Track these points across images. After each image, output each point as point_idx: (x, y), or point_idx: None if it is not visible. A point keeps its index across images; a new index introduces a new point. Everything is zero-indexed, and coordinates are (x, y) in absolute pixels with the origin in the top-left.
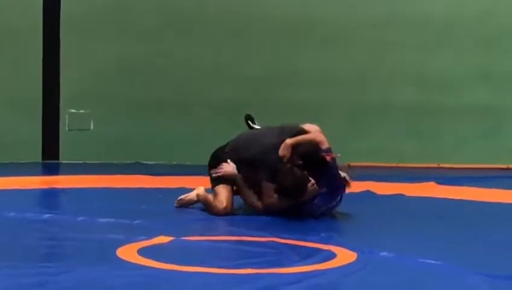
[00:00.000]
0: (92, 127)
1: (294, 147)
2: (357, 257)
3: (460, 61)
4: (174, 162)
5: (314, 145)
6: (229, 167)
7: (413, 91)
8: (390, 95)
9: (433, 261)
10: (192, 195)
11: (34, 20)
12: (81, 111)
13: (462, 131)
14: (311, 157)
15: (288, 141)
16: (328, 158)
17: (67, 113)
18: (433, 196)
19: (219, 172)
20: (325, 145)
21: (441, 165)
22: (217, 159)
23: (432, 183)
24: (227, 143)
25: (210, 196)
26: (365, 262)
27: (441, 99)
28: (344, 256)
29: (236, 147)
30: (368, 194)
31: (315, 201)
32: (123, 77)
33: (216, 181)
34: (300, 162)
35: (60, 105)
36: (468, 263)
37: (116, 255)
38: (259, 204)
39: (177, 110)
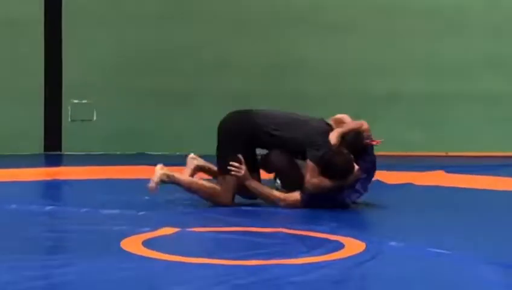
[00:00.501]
0: (94, 118)
1: (343, 135)
2: (366, 247)
3: (469, 49)
4: (177, 153)
5: (359, 133)
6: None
7: (421, 79)
8: (399, 84)
9: (443, 251)
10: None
11: (35, 10)
12: (84, 101)
13: (471, 119)
14: (356, 145)
15: (339, 129)
16: (374, 143)
17: (70, 103)
18: (442, 184)
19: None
20: (369, 132)
21: (450, 154)
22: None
23: (440, 172)
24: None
25: (207, 183)
26: (374, 252)
27: (450, 88)
28: (352, 246)
29: (280, 127)
30: (376, 183)
31: (356, 186)
32: (126, 67)
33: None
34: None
35: (62, 95)
36: (479, 252)
37: (121, 247)
38: (283, 196)
39: (181, 100)
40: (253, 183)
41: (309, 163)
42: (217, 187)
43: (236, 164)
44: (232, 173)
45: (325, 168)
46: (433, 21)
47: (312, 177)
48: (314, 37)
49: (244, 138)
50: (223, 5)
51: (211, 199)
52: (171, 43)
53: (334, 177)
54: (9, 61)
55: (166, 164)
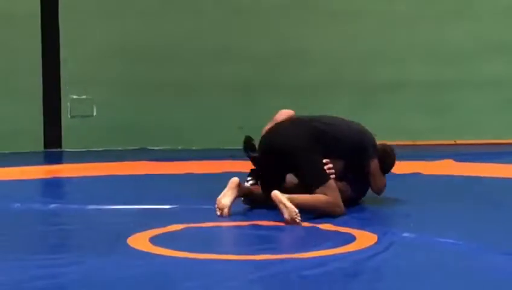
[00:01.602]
0: (95, 113)
1: None
2: (377, 239)
3: (475, 34)
4: (180, 147)
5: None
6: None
7: (427, 66)
8: (404, 70)
9: (455, 241)
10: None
11: (31, 4)
12: (83, 97)
13: (478, 106)
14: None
15: None
16: None
17: (69, 99)
18: (452, 173)
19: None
20: None
21: (458, 142)
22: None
23: (449, 161)
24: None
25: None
26: (386, 244)
27: (456, 74)
28: (364, 239)
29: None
30: None
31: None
32: (125, 60)
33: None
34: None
35: (61, 91)
36: (490, 242)
37: (127, 244)
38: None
39: (182, 93)
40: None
41: (375, 163)
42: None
43: (330, 165)
44: (331, 176)
45: (383, 168)
46: (437, 6)
47: (382, 178)
48: (317, 25)
49: (319, 147)
50: None
51: (328, 212)
52: (170, 35)
53: (388, 171)
54: (6, 57)
55: (167, 159)
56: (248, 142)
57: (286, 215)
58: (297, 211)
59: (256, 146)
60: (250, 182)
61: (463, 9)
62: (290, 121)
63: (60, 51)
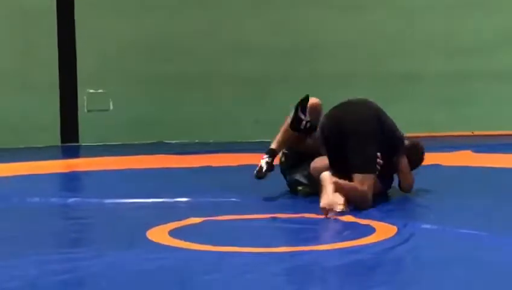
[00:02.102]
0: (111, 107)
1: None
2: (397, 230)
3: (494, 24)
4: (196, 140)
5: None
6: None
7: (444, 57)
8: (421, 62)
9: (476, 232)
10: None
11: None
12: (100, 91)
13: (495, 96)
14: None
15: None
16: None
17: (86, 93)
18: (471, 164)
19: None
20: None
21: (476, 133)
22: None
23: (468, 152)
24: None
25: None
26: (406, 236)
27: (472, 65)
28: (384, 230)
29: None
30: None
31: None
32: (142, 54)
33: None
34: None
35: (78, 86)
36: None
37: (147, 237)
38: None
39: (198, 87)
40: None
41: (405, 160)
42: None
43: (380, 161)
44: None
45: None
46: None
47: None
48: (332, 18)
49: (380, 136)
50: None
51: (358, 204)
52: (186, 28)
53: (415, 167)
54: (23, 52)
55: (184, 153)
56: (305, 101)
57: (322, 203)
58: (340, 201)
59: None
60: (266, 159)
61: (478, 1)
62: (359, 102)
63: (76, 45)
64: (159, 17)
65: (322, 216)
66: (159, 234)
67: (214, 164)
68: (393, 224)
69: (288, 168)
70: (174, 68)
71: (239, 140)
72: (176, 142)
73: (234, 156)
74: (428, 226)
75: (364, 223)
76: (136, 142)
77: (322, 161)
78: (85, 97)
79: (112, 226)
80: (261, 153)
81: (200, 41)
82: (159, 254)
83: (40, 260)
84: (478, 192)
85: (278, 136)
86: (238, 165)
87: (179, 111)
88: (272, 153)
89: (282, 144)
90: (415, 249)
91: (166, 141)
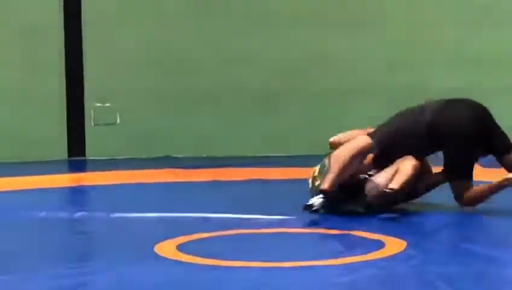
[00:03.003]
0: (118, 121)
1: None
2: (406, 245)
3: (498, 41)
4: (204, 155)
5: None
6: None
7: (450, 72)
8: (427, 77)
9: (488, 249)
10: None
11: (54, 15)
12: (107, 105)
13: (502, 113)
14: None
15: None
16: None
17: (93, 107)
18: (480, 179)
19: None
20: None
21: None
22: None
23: (476, 166)
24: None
25: None
26: (416, 251)
27: (480, 81)
28: (393, 245)
29: None
30: None
31: None
32: (149, 68)
33: None
34: None
35: (85, 99)
36: None
37: (155, 252)
38: None
39: (205, 101)
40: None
41: None
42: None
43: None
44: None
45: None
46: (461, 11)
47: None
48: (338, 31)
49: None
50: (245, 2)
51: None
52: (194, 42)
53: None
54: (30, 68)
55: (192, 167)
56: None
57: None
58: None
59: None
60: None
61: (486, 16)
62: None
63: (84, 59)
64: (167, 31)
65: (333, 231)
66: (167, 249)
67: (222, 178)
68: (402, 239)
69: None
70: (182, 82)
71: (246, 154)
72: (183, 157)
73: (242, 170)
74: (436, 241)
75: (373, 237)
76: (143, 157)
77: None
78: (92, 111)
79: (120, 240)
80: (268, 167)
81: (208, 55)
82: (167, 268)
83: (49, 274)
84: (487, 207)
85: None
86: (246, 180)
87: (186, 125)
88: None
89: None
90: (424, 265)
91: (173, 155)
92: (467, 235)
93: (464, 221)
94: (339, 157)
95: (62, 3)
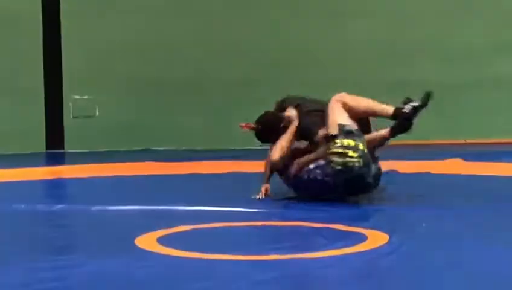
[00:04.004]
0: (97, 114)
1: None
2: (389, 238)
3: (485, 33)
4: (183, 147)
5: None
6: None
7: (436, 65)
8: (413, 70)
9: (468, 240)
10: None
11: (33, 5)
12: (85, 97)
13: (487, 105)
14: None
15: None
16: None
17: (71, 100)
18: (461, 173)
19: None
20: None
21: (468, 141)
22: None
23: (458, 160)
24: None
25: None
26: (398, 244)
27: (464, 73)
28: (375, 238)
29: None
30: (393, 173)
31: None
32: (128, 60)
33: None
34: None
35: (63, 91)
36: (508, 242)
37: (135, 245)
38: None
39: (185, 93)
40: None
41: None
42: None
43: None
44: None
45: None
46: (446, 5)
47: None
48: (322, 23)
49: None
50: None
51: None
52: (173, 33)
53: None
54: (8, 58)
55: (171, 160)
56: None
57: None
58: None
59: None
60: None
61: (472, 8)
62: None
63: (62, 51)
64: (145, 23)
65: (314, 224)
66: (147, 242)
67: (202, 171)
68: (384, 232)
69: None
70: (161, 74)
71: (227, 147)
72: (163, 149)
73: (222, 163)
74: (419, 234)
75: (355, 231)
76: (122, 149)
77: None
78: (71, 103)
79: (100, 233)
80: (249, 160)
81: (188, 46)
82: (148, 261)
83: (26, 267)
84: (469, 200)
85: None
86: (227, 173)
87: (165, 118)
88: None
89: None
90: (406, 258)
91: (153, 148)
92: (450, 228)
93: (446, 214)
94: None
95: None
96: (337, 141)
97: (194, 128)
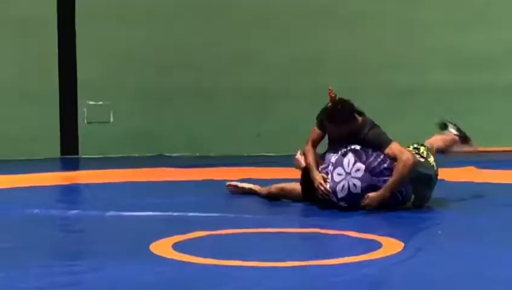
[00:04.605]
0: (111, 120)
1: None
2: (404, 245)
3: (496, 40)
4: (197, 154)
5: None
6: None
7: (447, 71)
8: (424, 76)
9: (482, 248)
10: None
11: (48, 9)
12: (100, 103)
13: (499, 112)
14: None
15: None
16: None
17: (86, 105)
18: (475, 180)
19: None
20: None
21: (480, 149)
22: None
23: (471, 168)
24: None
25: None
26: (413, 251)
27: (475, 80)
28: (390, 245)
29: None
30: None
31: None
32: (143, 66)
33: None
34: None
35: (78, 97)
36: None
37: (150, 251)
38: None
39: (199, 100)
40: None
41: None
42: None
43: None
44: None
45: None
46: (457, 12)
47: None
48: (334, 31)
49: None
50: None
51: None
52: (187, 40)
53: None
54: (22, 63)
55: (185, 166)
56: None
57: None
58: None
59: None
60: None
61: (483, 14)
62: None
63: (77, 57)
64: (160, 29)
65: (330, 231)
66: (162, 247)
67: (215, 178)
68: (399, 239)
69: None
70: (175, 81)
71: (240, 154)
72: (176, 155)
73: (236, 169)
74: (434, 241)
75: (370, 238)
76: (136, 155)
77: None
78: (85, 109)
79: (114, 238)
80: (264, 167)
81: (201, 54)
82: (162, 267)
83: (42, 272)
84: (483, 207)
85: None
86: (241, 179)
87: (179, 124)
88: None
89: None
90: (421, 265)
91: (166, 154)
92: (466, 235)
93: (462, 221)
94: None
95: (56, 0)
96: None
97: (207, 134)
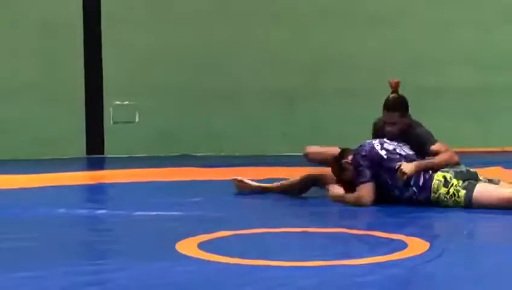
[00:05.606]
0: (137, 120)
1: None
2: (430, 246)
3: None
4: (222, 153)
5: None
6: None
7: (471, 71)
8: (448, 76)
9: (509, 248)
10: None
11: (73, 12)
12: (126, 103)
13: None
14: None
15: None
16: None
17: (112, 105)
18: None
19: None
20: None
21: (505, 149)
22: None
23: (499, 168)
24: None
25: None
26: (439, 251)
27: (503, 80)
28: (416, 245)
29: None
30: None
31: None
32: (168, 66)
33: None
34: None
35: (104, 97)
36: None
37: (176, 250)
38: None
39: (225, 100)
40: None
41: None
42: None
43: None
44: None
45: None
46: (481, 11)
47: None
48: (359, 30)
49: None
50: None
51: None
52: (213, 41)
53: None
54: (49, 64)
55: (210, 166)
56: None
57: None
58: None
59: None
60: None
61: (508, 13)
62: None
63: (103, 57)
64: (185, 31)
65: (356, 231)
66: (188, 247)
67: (241, 177)
68: (425, 239)
69: None
70: (200, 81)
71: (266, 153)
72: (202, 155)
73: (262, 169)
74: (460, 241)
75: (396, 238)
76: (161, 155)
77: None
78: (111, 109)
79: (141, 238)
80: (286, 166)
81: (227, 54)
82: (188, 266)
83: (69, 271)
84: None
85: None
86: (266, 179)
87: (205, 124)
88: None
89: None
90: (448, 265)
91: (192, 154)
92: (492, 236)
93: (488, 221)
94: None
95: (82, 1)
96: None
97: (232, 134)
